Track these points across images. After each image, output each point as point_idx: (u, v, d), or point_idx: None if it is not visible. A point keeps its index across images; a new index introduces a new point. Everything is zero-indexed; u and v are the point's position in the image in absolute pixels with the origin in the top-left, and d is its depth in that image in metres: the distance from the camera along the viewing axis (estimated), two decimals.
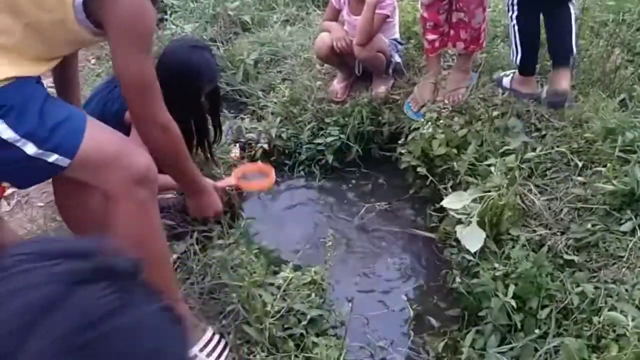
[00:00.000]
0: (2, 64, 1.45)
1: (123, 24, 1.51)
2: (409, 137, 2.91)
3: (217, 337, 1.91)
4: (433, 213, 2.69)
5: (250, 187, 2.72)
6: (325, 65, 3.57)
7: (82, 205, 1.89)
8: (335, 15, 3.31)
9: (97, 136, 1.55)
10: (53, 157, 1.49)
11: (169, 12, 4.32)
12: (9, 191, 3.29)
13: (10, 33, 1.45)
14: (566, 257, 2.15)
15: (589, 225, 2.22)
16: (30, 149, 1.45)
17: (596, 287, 1.99)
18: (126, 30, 1.52)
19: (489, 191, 2.30)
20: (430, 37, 2.99)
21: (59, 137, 1.49)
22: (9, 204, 3.23)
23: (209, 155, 2.68)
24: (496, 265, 2.11)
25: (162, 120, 1.66)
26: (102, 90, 2.52)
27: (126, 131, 2.09)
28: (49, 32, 1.50)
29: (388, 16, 3.10)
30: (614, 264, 2.09)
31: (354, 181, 3.21)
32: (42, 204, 3.17)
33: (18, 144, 1.44)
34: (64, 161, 1.50)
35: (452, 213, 2.33)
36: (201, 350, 1.84)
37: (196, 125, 2.55)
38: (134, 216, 1.62)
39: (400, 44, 3.35)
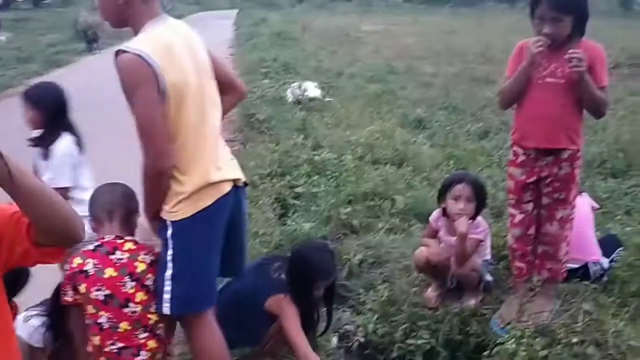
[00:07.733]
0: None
1: None
2: (494, 350, 3.19)
3: None
4: None
5: None
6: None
7: None
8: (434, 234, 3.80)
9: None
10: None
11: (291, 211, 5.07)
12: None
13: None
14: None
15: None
16: None
17: None
18: None
19: None
20: (518, 264, 3.43)
21: None
22: None
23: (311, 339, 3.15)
24: None
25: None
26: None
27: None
28: None
29: (482, 240, 3.58)
30: None
31: None
32: None
33: None
34: None
35: None
36: None
37: (305, 313, 3.07)
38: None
39: (491, 264, 3.78)
